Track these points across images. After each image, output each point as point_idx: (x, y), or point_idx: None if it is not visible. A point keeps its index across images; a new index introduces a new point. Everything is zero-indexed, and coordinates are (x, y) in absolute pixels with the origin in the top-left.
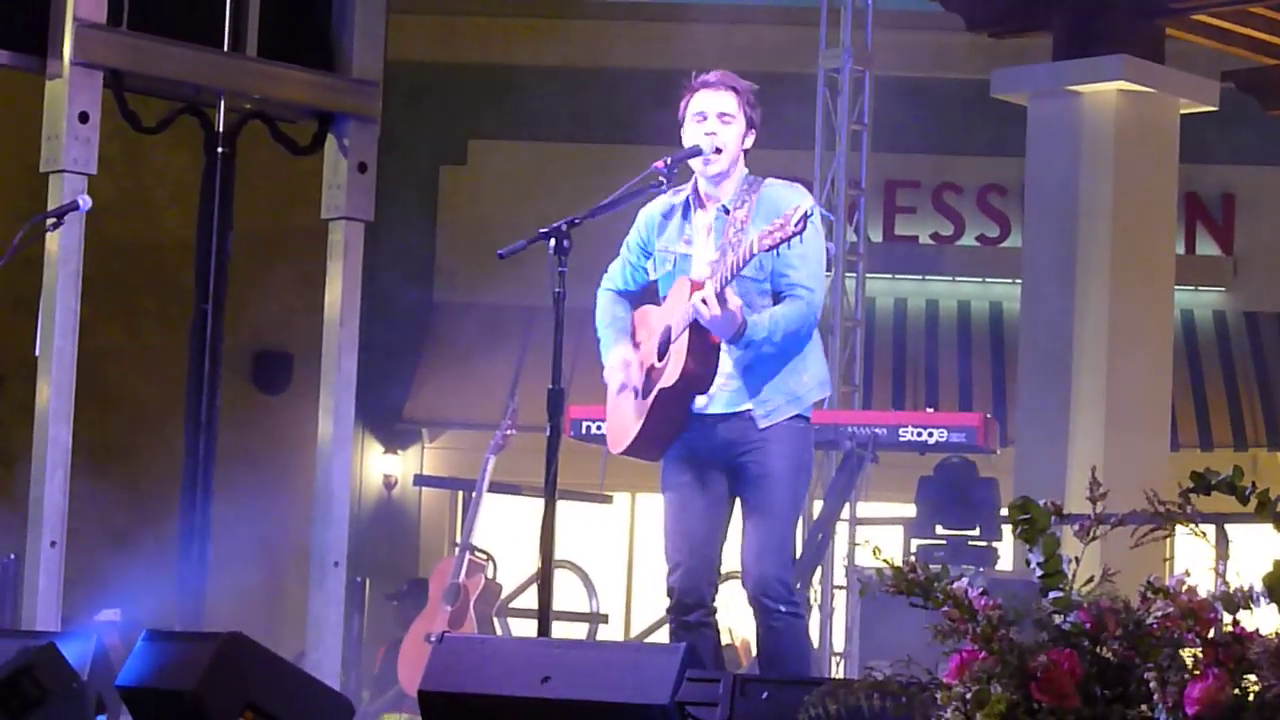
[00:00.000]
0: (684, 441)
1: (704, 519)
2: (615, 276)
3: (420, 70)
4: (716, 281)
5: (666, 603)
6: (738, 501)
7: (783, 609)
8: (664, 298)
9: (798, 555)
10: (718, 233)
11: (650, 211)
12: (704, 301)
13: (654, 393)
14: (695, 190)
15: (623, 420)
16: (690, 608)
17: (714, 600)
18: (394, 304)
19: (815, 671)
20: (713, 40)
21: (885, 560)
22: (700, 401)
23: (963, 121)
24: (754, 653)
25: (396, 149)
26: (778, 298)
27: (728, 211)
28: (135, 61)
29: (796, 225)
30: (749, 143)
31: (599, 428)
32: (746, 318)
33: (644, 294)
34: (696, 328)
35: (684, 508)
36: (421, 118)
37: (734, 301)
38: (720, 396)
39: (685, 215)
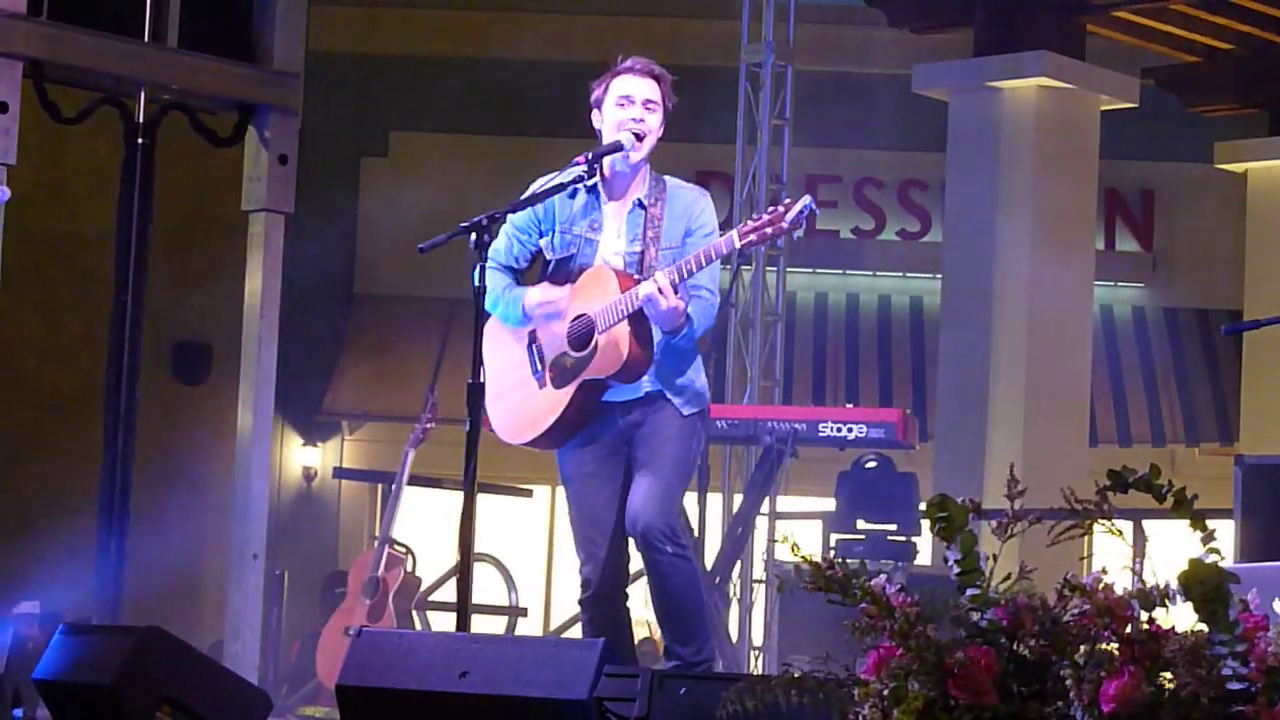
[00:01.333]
0: (586, 430)
1: (611, 506)
2: (499, 252)
3: (341, 61)
4: (671, 274)
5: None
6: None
7: (669, 549)
8: (556, 280)
9: (711, 544)
10: (630, 226)
11: (544, 186)
12: (661, 292)
13: (577, 383)
14: (604, 178)
15: (528, 408)
16: (605, 596)
17: (627, 588)
18: (315, 296)
19: (732, 662)
20: (634, 32)
21: (803, 556)
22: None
23: (884, 117)
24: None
25: (317, 141)
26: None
27: (644, 206)
28: (55, 52)
29: (790, 221)
30: (661, 131)
31: None
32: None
33: (527, 274)
34: (638, 318)
35: (590, 496)
36: (342, 109)
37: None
38: (621, 389)
39: (593, 202)
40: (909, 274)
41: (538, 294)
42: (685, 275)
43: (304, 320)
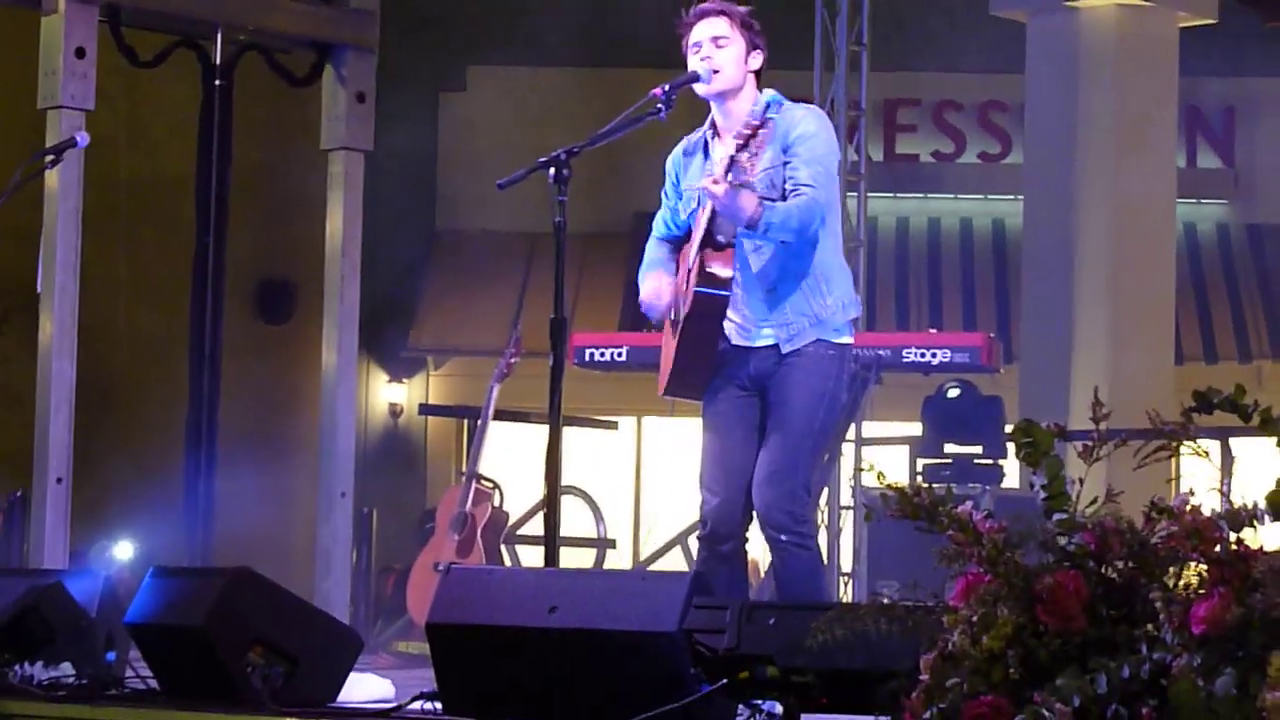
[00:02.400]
0: (721, 372)
1: (739, 448)
2: (658, 223)
3: None
4: (724, 162)
5: (675, 527)
6: None
7: (784, 538)
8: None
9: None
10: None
11: (675, 154)
12: (714, 182)
13: (680, 323)
14: (712, 125)
15: (665, 358)
16: (724, 538)
17: (746, 531)
18: (397, 233)
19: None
20: None
21: (889, 484)
22: (732, 334)
23: (962, 39)
24: (762, 574)
25: (395, 77)
26: None
27: (743, 137)
28: None
29: (758, 118)
30: (755, 63)
31: (603, 354)
32: (762, 200)
33: (686, 239)
34: (705, 245)
35: (720, 437)
36: (420, 45)
37: (747, 188)
38: (748, 329)
39: (706, 152)
40: (990, 196)
41: (648, 287)
42: (726, 165)
43: (387, 257)
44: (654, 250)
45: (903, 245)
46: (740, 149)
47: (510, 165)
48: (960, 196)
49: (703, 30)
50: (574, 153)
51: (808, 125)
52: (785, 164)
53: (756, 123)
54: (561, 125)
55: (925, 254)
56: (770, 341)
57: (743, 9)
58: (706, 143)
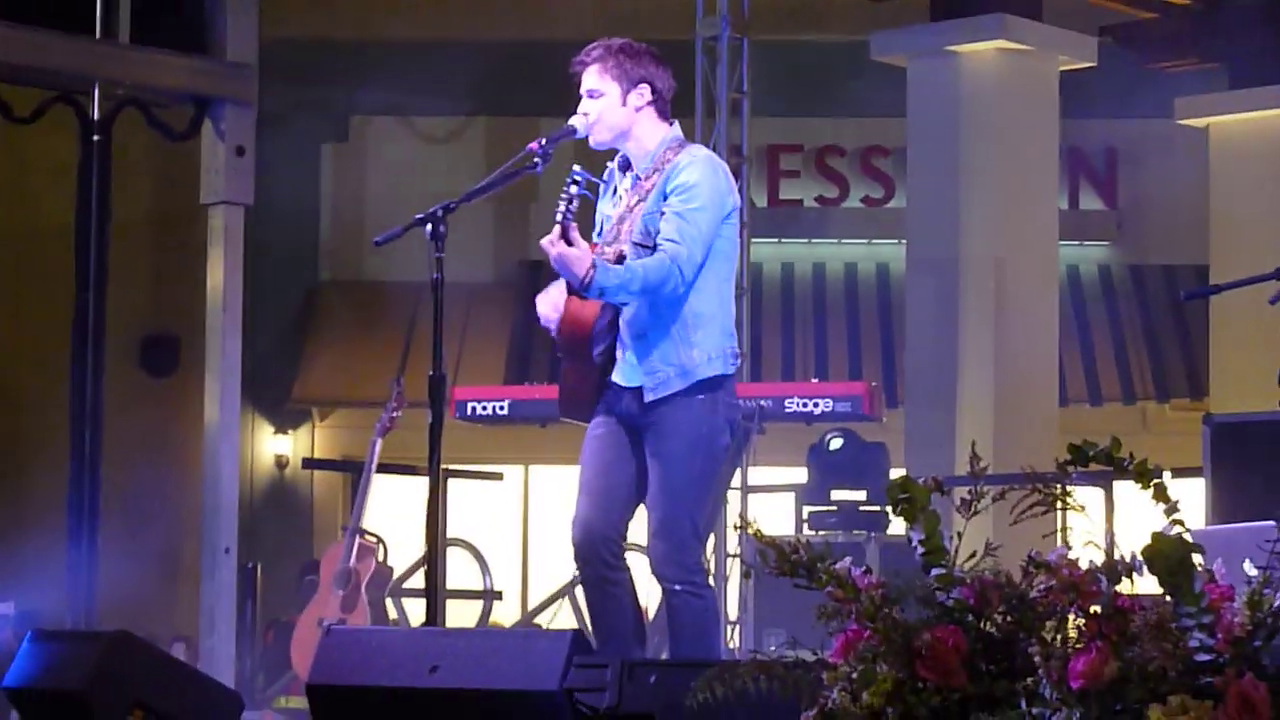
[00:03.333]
0: (604, 400)
1: (607, 473)
2: None
3: (298, 47)
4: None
5: (562, 577)
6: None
7: (677, 587)
8: None
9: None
10: (627, 197)
11: (611, 165)
12: (547, 242)
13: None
14: (624, 157)
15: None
16: (588, 562)
17: (619, 558)
18: (280, 284)
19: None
20: (588, 8)
21: (767, 540)
22: (616, 371)
23: (843, 84)
24: (651, 617)
25: (277, 128)
26: None
27: (638, 179)
28: (6, 51)
29: (566, 186)
30: (639, 99)
31: (485, 408)
32: (597, 263)
33: None
34: (570, 289)
35: (591, 460)
36: (301, 96)
37: (581, 244)
38: (624, 370)
39: (611, 179)
40: (875, 240)
41: (546, 297)
42: (564, 221)
43: (271, 308)
44: None
45: (788, 291)
46: (638, 201)
47: (394, 216)
48: (845, 241)
49: (582, 80)
50: (450, 209)
51: (689, 175)
52: (661, 213)
53: (656, 169)
54: (445, 175)
55: (810, 299)
56: (636, 385)
57: (624, 45)
58: (618, 174)
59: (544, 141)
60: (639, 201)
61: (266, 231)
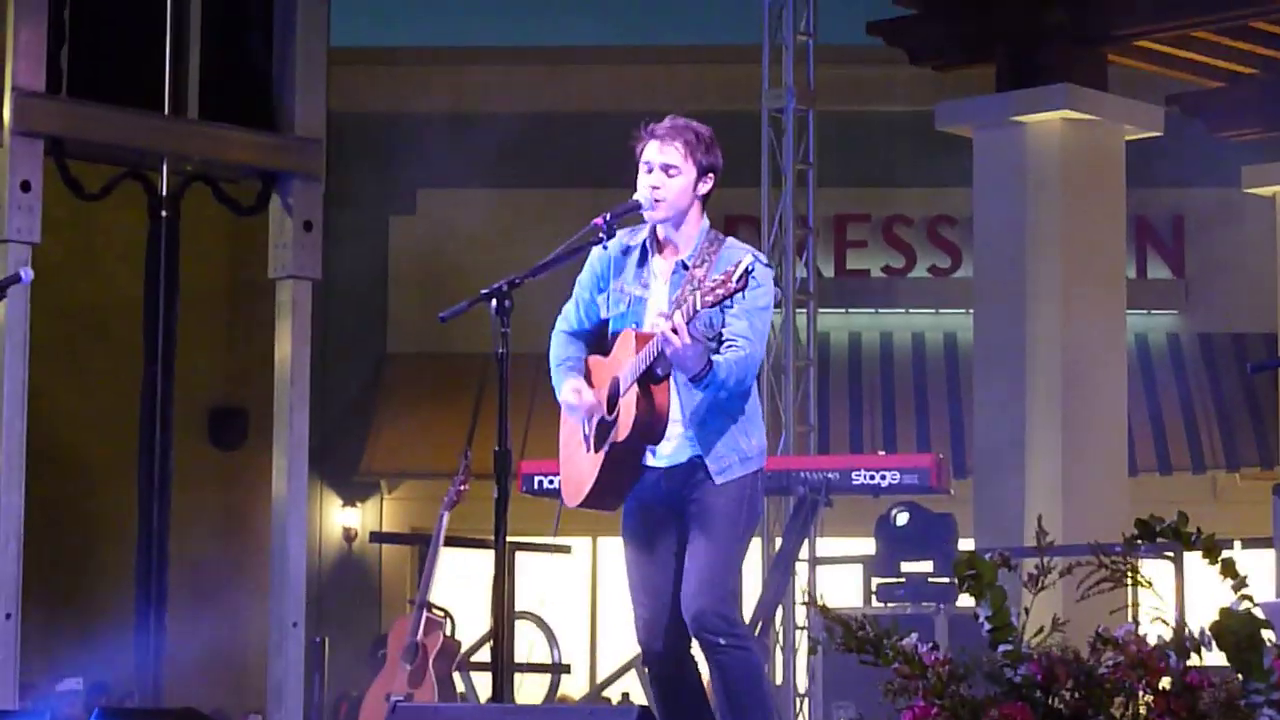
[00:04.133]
0: (637, 491)
1: (662, 567)
2: (569, 316)
3: (366, 121)
4: (685, 312)
5: (631, 648)
6: None
7: (722, 641)
8: (612, 338)
9: (750, 590)
10: (673, 286)
11: (612, 247)
12: (674, 331)
13: (606, 448)
14: (653, 234)
15: (578, 472)
16: (658, 657)
17: (686, 653)
18: (348, 356)
19: (779, 713)
20: (657, 80)
21: (834, 617)
22: (649, 455)
23: (909, 154)
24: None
25: (345, 201)
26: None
27: (686, 267)
28: (76, 128)
29: (738, 281)
30: (704, 188)
31: (551, 482)
32: (710, 355)
33: (597, 334)
34: (647, 379)
35: (642, 557)
36: (369, 169)
37: (700, 341)
38: (667, 450)
39: (644, 258)
40: (942, 310)
41: (568, 386)
42: (691, 314)
43: (339, 381)
44: (565, 346)
45: (855, 361)
46: (711, 305)
47: (461, 287)
48: (912, 311)
49: (654, 153)
50: (516, 283)
51: (756, 276)
52: (724, 308)
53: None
54: (511, 245)
55: (878, 369)
56: (691, 456)
57: (704, 131)
58: (646, 250)
59: (609, 216)
60: (694, 292)
61: (335, 304)
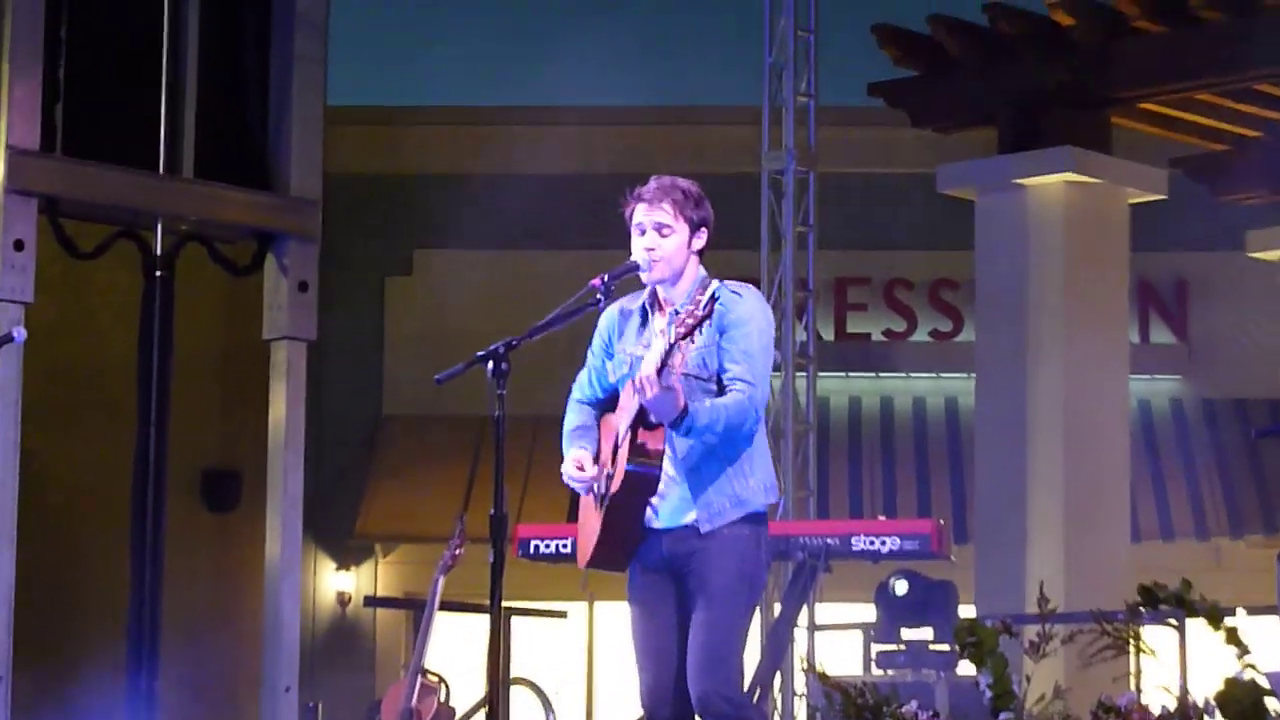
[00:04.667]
0: (640, 553)
1: (663, 631)
2: (582, 385)
3: (362, 182)
4: (656, 361)
5: (628, 716)
6: None
7: (728, 710)
8: (617, 400)
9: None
10: (666, 334)
11: (610, 313)
12: (645, 380)
13: (606, 502)
14: (653, 294)
15: (588, 531)
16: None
17: (694, 714)
18: (344, 418)
19: None
20: (655, 142)
21: (833, 684)
22: (651, 516)
23: (911, 217)
24: None
25: (341, 262)
26: (721, 394)
27: (678, 314)
28: (70, 187)
29: (704, 308)
30: (699, 244)
31: (548, 546)
32: (689, 402)
33: (610, 401)
34: (638, 424)
35: (644, 620)
36: (365, 230)
37: (676, 385)
38: (665, 509)
39: (645, 319)
40: (943, 374)
41: (570, 459)
42: (663, 354)
43: (334, 443)
44: (577, 415)
45: (855, 426)
46: (681, 337)
47: (458, 349)
48: (913, 375)
49: (644, 215)
50: (513, 345)
51: (745, 310)
52: (721, 348)
53: (702, 313)
54: (510, 309)
55: (878, 434)
56: (688, 521)
57: (691, 187)
58: (646, 311)
59: (606, 278)
60: (685, 335)
61: (330, 365)
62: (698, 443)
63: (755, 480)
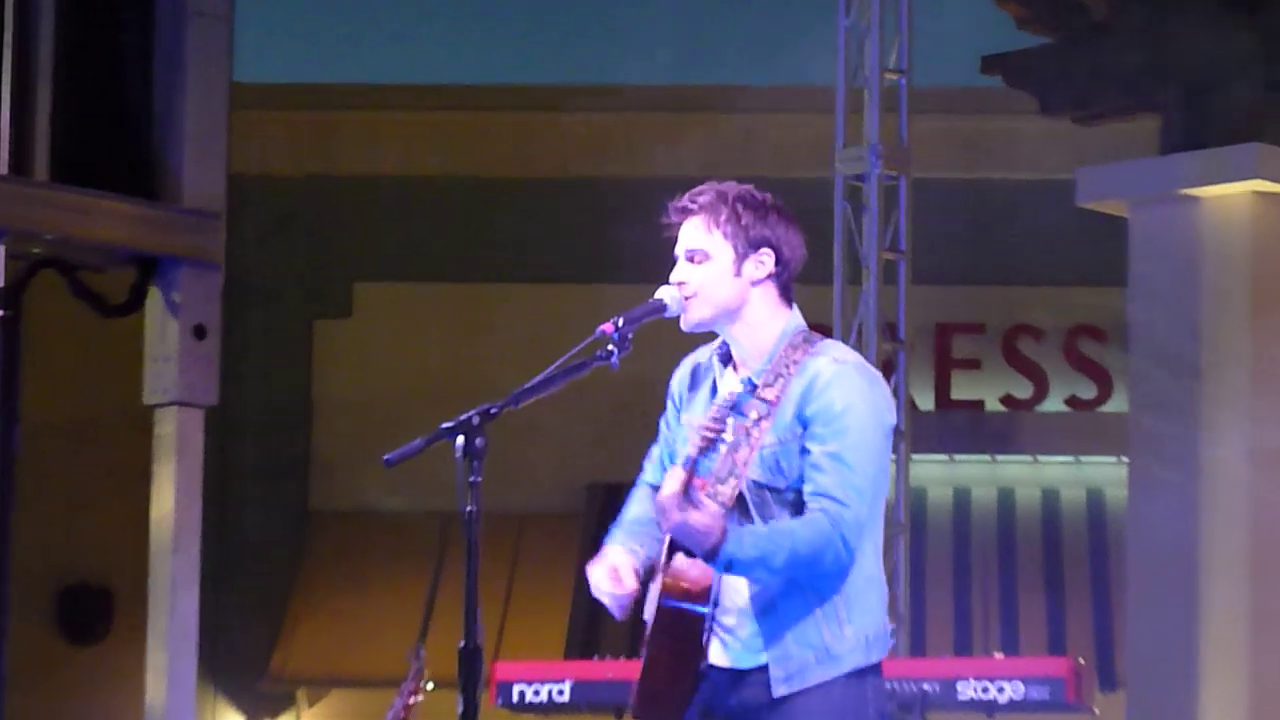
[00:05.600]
0: (701, 696)
1: None
2: (651, 464)
3: (284, 188)
4: (683, 473)
5: None
6: None
7: None
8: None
9: None
10: (738, 412)
11: (682, 372)
12: (661, 502)
13: (648, 635)
14: (724, 347)
15: (637, 672)
16: None
17: None
18: (255, 515)
19: None
20: (685, 133)
21: None
22: (714, 649)
23: (1040, 239)
24: None
25: (253, 298)
26: (802, 509)
27: (754, 387)
28: None
29: (727, 405)
30: (757, 271)
31: (537, 693)
32: (729, 528)
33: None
34: (674, 548)
35: None
36: (289, 255)
37: (709, 506)
38: (734, 644)
39: (711, 376)
40: (1084, 458)
41: (604, 560)
42: (687, 472)
43: (242, 548)
44: (635, 505)
45: (962, 528)
46: (757, 421)
47: (413, 418)
48: (1042, 459)
49: (679, 237)
50: (491, 414)
51: (839, 394)
52: (802, 447)
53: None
54: (483, 362)
55: (994, 540)
56: (760, 663)
57: (744, 193)
58: (716, 366)
59: (620, 322)
60: (759, 421)
61: (237, 441)
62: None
63: (853, 629)
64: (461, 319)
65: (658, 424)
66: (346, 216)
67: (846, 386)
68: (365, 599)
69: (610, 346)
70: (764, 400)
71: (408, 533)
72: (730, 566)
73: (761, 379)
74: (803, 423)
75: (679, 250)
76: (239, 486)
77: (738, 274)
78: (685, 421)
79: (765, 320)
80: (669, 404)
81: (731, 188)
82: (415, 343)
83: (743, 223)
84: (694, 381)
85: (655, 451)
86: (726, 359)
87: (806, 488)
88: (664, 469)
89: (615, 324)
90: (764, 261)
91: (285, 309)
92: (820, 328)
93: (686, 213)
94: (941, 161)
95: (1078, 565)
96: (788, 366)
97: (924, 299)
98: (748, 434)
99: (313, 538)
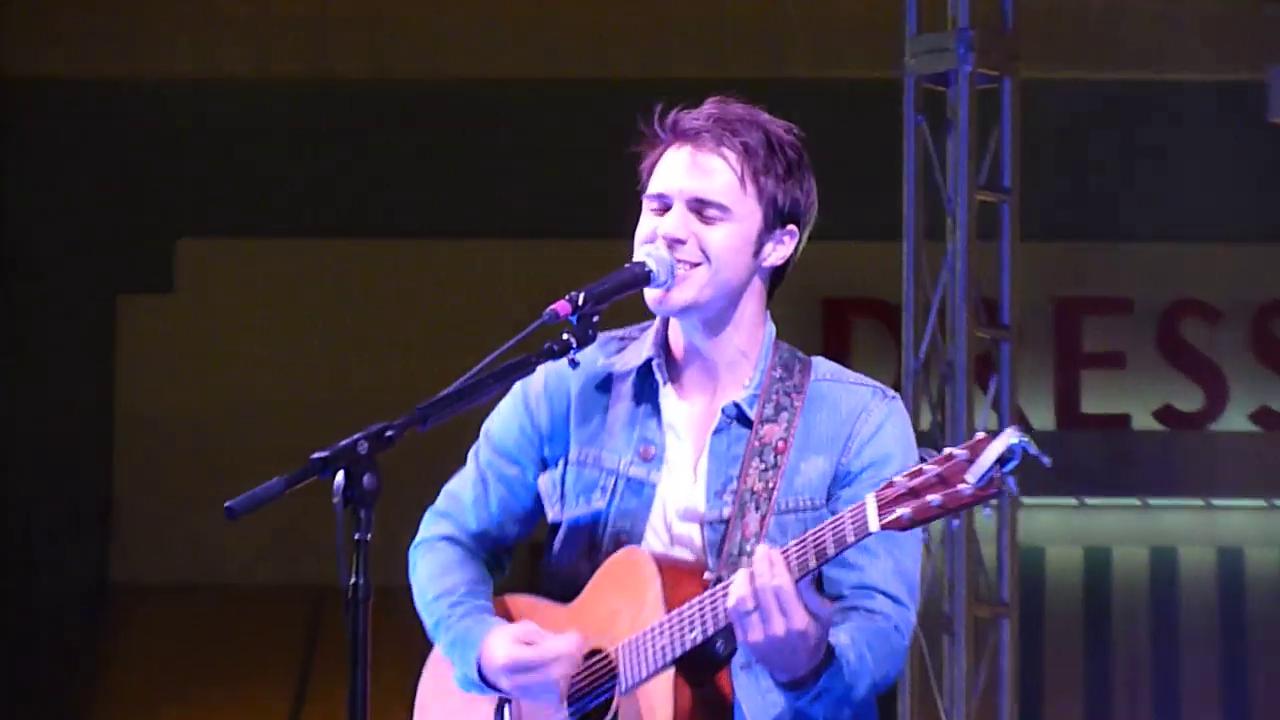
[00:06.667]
0: None
1: None
2: (460, 505)
3: (65, 96)
4: (798, 553)
5: None
6: None
7: None
8: (561, 573)
9: None
10: (716, 456)
11: (557, 377)
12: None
13: None
14: (663, 345)
15: None
16: None
17: None
18: (36, 587)
19: None
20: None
21: None
22: None
23: (1204, 173)
24: None
25: (29, 265)
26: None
27: (745, 419)
28: None
29: (979, 483)
30: (777, 254)
31: None
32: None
33: (510, 546)
34: (696, 662)
35: None
36: (79, 202)
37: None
38: None
39: (649, 393)
40: (1278, 501)
41: (505, 642)
42: (819, 560)
43: (20, 632)
44: (451, 566)
45: (1100, 599)
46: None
47: (266, 437)
48: (1216, 503)
49: (678, 170)
50: (388, 437)
51: (897, 440)
52: (834, 512)
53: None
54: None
55: (1146, 624)
56: None
57: (786, 134)
58: (653, 377)
59: (580, 298)
60: (767, 470)
61: (6, 477)
62: (790, 705)
63: None
64: (339, 292)
65: (470, 456)
66: (167, 145)
67: (901, 432)
68: (199, 705)
69: (566, 335)
70: (765, 444)
71: (266, 608)
72: (818, 698)
73: (756, 405)
74: (843, 480)
75: (675, 191)
76: (9, 548)
77: (757, 253)
78: (583, 451)
79: (754, 320)
80: (515, 414)
81: (775, 125)
82: (268, 329)
83: (786, 184)
84: (599, 392)
85: (457, 487)
86: (666, 365)
87: (846, 575)
88: (480, 516)
89: (574, 301)
90: (785, 242)
91: (76, 280)
92: (880, 305)
93: (711, 139)
94: (1065, 55)
95: (1269, 655)
96: (789, 395)
97: (1039, 262)
98: (761, 491)
99: (114, 618)
